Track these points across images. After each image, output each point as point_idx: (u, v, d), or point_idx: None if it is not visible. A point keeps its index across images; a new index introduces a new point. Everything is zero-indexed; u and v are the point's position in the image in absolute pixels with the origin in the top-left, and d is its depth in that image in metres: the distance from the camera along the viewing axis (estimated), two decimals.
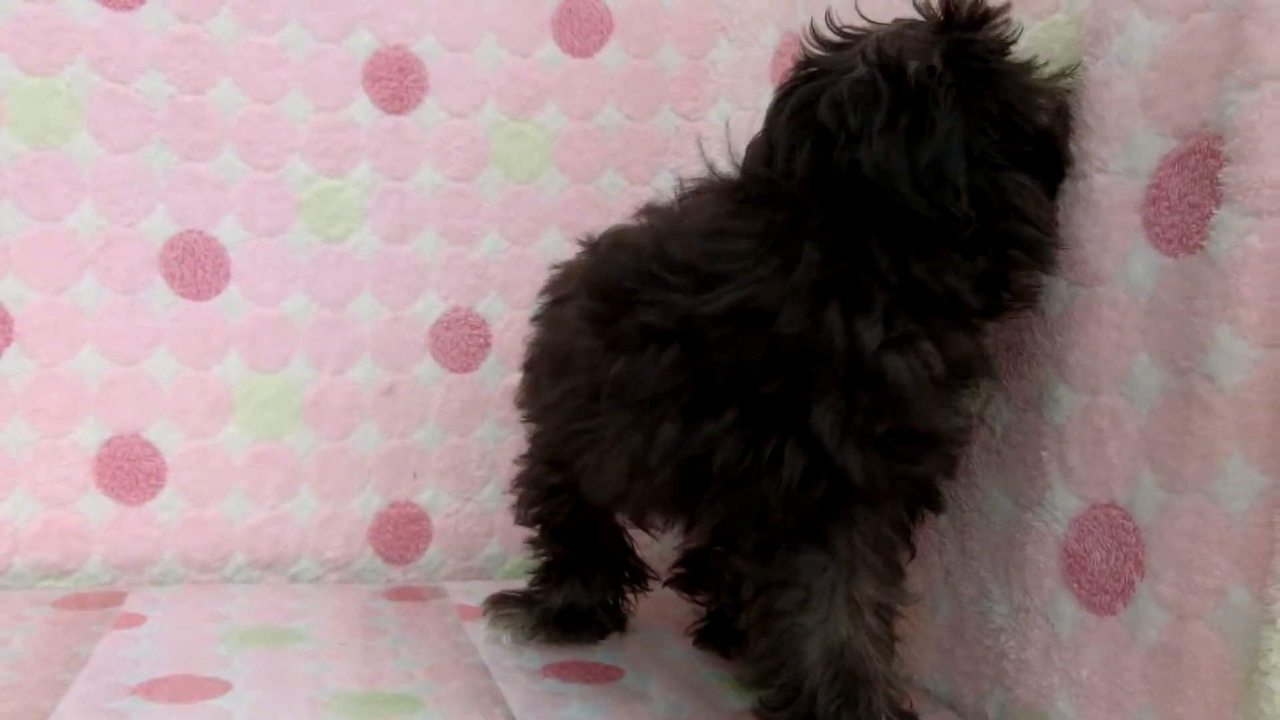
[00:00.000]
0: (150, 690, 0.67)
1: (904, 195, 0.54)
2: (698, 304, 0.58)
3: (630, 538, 0.84)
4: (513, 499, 0.85)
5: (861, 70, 0.56)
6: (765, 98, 1.01)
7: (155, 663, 0.72)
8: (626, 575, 0.84)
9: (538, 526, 0.83)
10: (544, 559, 0.84)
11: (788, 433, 0.56)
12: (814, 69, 0.59)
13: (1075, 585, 0.62)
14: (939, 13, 0.58)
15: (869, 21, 0.61)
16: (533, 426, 0.82)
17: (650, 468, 0.61)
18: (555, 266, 0.79)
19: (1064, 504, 0.63)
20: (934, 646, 0.73)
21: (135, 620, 0.81)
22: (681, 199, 0.67)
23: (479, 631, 0.81)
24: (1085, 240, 0.61)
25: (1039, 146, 0.59)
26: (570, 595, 0.83)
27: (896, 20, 0.60)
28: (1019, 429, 0.66)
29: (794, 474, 0.55)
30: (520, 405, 0.83)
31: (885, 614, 0.60)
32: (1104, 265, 0.60)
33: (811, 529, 0.57)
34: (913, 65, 0.55)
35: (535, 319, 0.80)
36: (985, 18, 0.58)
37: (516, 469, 0.85)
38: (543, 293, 0.79)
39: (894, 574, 0.61)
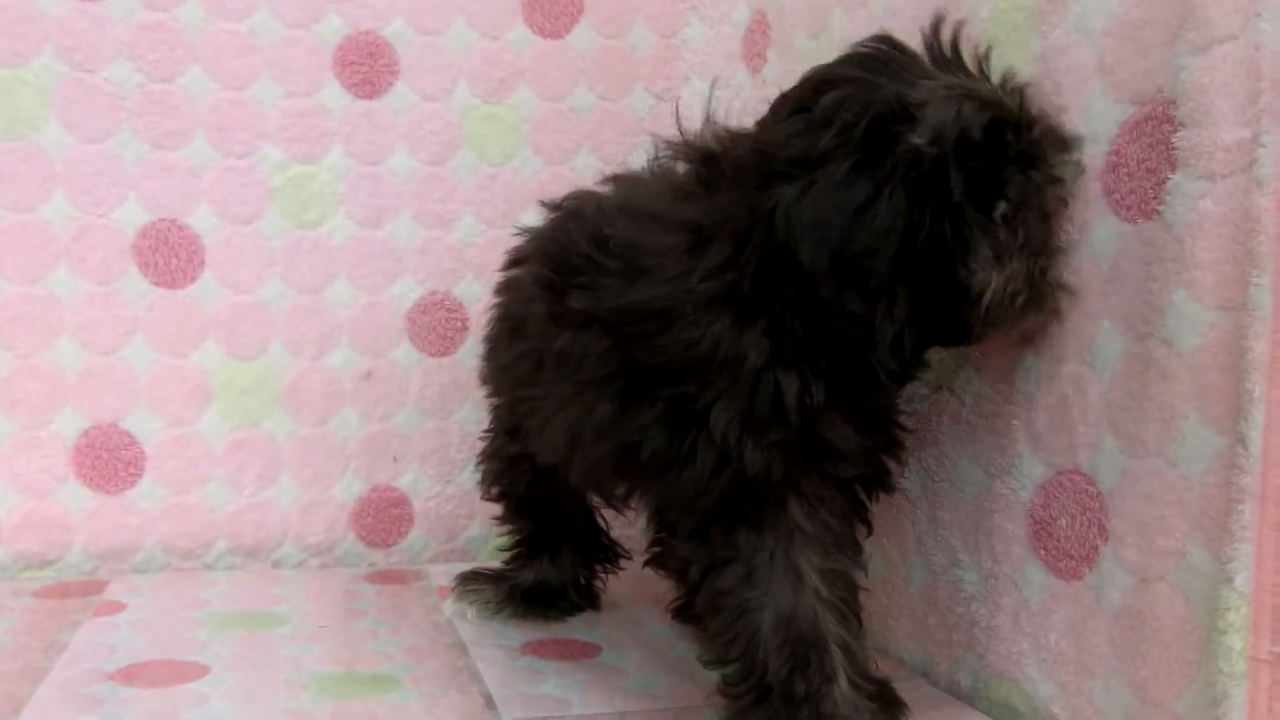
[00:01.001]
0: (129, 675, 0.68)
1: (814, 273, 0.52)
2: (625, 296, 0.58)
3: (602, 517, 0.84)
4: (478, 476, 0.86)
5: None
6: (738, 75, 1.02)
7: (134, 648, 0.72)
8: (597, 554, 0.85)
9: (502, 501, 0.84)
10: (515, 536, 0.85)
11: (702, 428, 0.56)
12: (839, 88, 0.54)
13: (1042, 552, 0.62)
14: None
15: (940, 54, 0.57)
16: (494, 400, 0.83)
17: (586, 444, 0.62)
18: (518, 231, 0.78)
19: (1031, 471, 0.63)
20: (908, 616, 0.74)
21: (116, 608, 0.81)
22: (652, 167, 0.67)
23: (449, 608, 0.82)
24: None
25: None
26: (540, 572, 0.83)
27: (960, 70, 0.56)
28: (990, 398, 0.66)
29: (705, 467, 0.56)
30: (482, 379, 0.84)
31: (836, 580, 0.60)
32: (1067, 233, 0.60)
33: (739, 511, 0.57)
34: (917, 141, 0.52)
35: (497, 289, 0.80)
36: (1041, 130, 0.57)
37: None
38: (505, 263, 0.79)
39: (840, 541, 0.61)
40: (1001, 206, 0.54)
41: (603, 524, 0.85)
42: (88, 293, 0.91)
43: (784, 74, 0.90)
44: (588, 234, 0.62)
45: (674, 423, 0.58)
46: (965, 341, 0.59)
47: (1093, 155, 0.59)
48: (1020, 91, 0.56)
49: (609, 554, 0.85)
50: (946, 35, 0.56)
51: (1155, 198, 0.55)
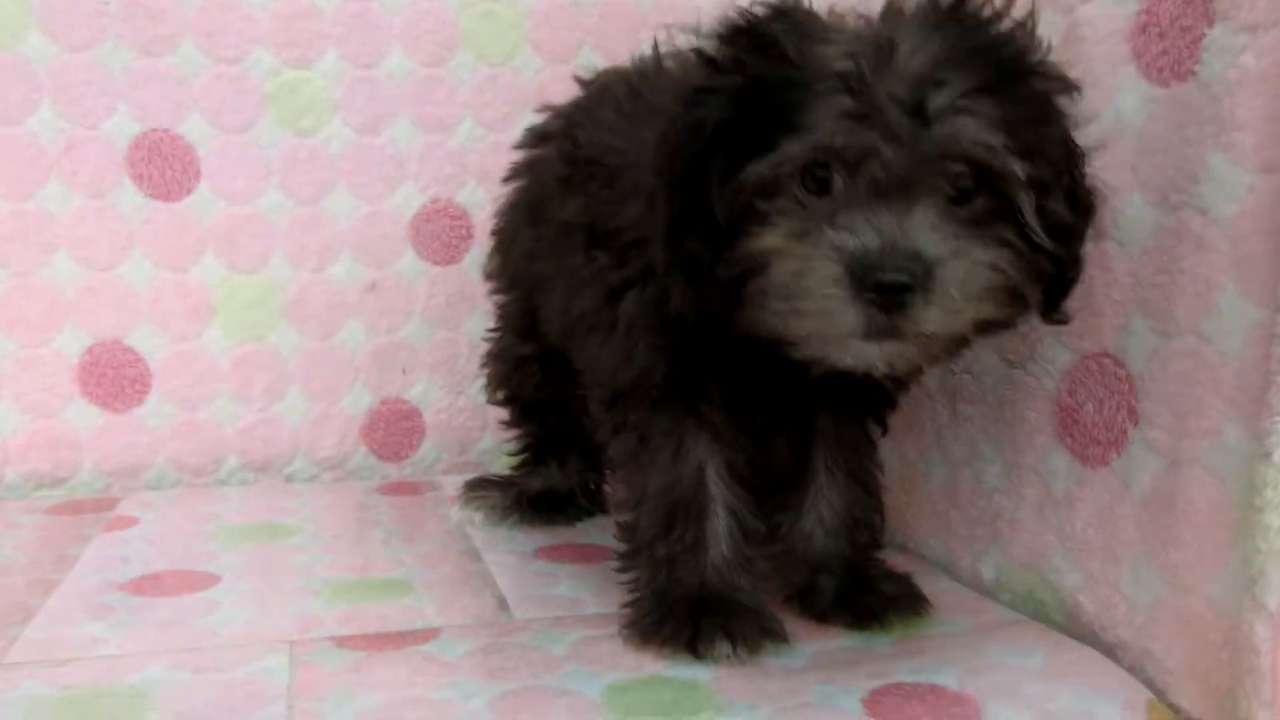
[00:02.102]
0: (139, 585, 0.67)
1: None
2: (605, 157, 0.60)
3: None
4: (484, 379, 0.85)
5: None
6: None
7: (145, 560, 0.72)
8: (602, 458, 0.83)
9: (509, 405, 0.83)
10: (522, 442, 0.84)
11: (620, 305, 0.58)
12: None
13: (1068, 440, 0.60)
14: None
15: None
16: (500, 298, 0.81)
17: (566, 300, 0.64)
18: (541, 108, 0.76)
19: (1055, 358, 0.61)
20: (928, 511, 0.72)
21: (127, 522, 0.81)
22: (655, 62, 0.64)
23: (456, 514, 0.82)
24: (1074, 77, 0.58)
25: None
26: (548, 478, 0.83)
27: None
28: None
29: (616, 349, 0.58)
30: (489, 277, 0.82)
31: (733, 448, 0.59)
32: (1093, 102, 0.57)
33: (640, 395, 0.58)
34: None
35: (510, 176, 0.77)
36: None
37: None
38: (521, 143, 0.76)
39: (738, 431, 0.59)
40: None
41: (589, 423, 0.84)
42: (81, 207, 0.89)
43: None
44: (613, 115, 0.62)
45: (605, 288, 0.59)
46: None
47: (1120, 17, 0.55)
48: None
49: None
50: None
51: (1190, 57, 0.51)
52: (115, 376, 0.91)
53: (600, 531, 0.80)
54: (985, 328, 0.50)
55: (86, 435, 0.91)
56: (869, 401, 0.63)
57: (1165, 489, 0.53)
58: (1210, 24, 0.50)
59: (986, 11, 0.50)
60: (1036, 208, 0.48)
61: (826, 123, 0.47)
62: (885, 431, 0.64)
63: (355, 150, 0.94)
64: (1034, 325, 0.61)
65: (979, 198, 0.48)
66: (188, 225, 0.91)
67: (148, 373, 0.92)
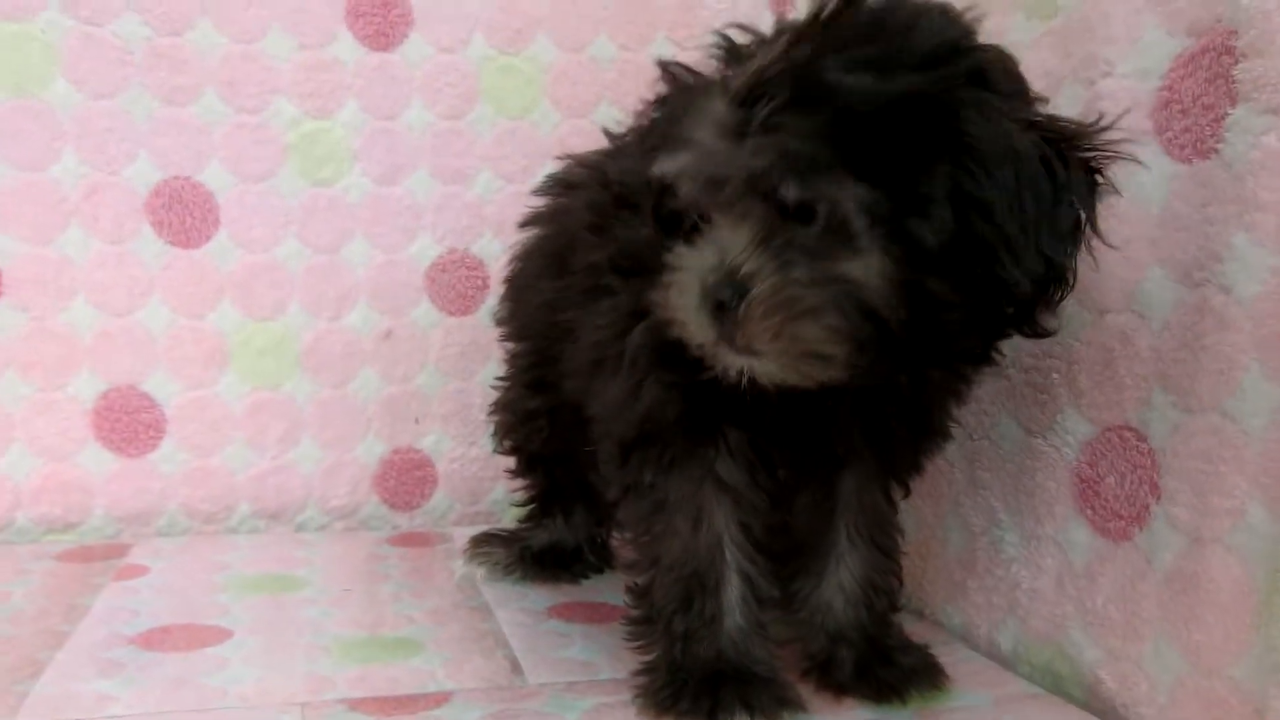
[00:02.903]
0: (149, 639, 0.67)
1: None
2: (622, 235, 0.59)
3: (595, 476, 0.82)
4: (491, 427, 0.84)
5: None
6: (763, 24, 0.98)
7: (156, 612, 0.71)
8: (612, 511, 0.82)
9: (515, 455, 0.82)
10: (528, 493, 0.83)
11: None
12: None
13: (1088, 511, 0.60)
14: None
15: None
16: (511, 346, 0.81)
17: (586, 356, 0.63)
18: (562, 157, 0.75)
19: (1076, 428, 0.60)
20: (944, 579, 0.71)
21: (137, 571, 0.80)
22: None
23: (460, 569, 0.81)
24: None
25: None
26: (554, 533, 0.82)
27: None
28: (1029, 353, 0.63)
29: (622, 386, 0.58)
30: (500, 323, 0.82)
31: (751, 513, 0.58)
32: (1113, 176, 0.57)
33: (650, 446, 0.57)
34: None
35: (528, 222, 0.76)
36: None
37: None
38: (542, 190, 0.76)
39: (758, 494, 0.58)
40: None
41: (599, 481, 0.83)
42: (101, 252, 0.90)
43: None
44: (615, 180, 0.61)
45: (618, 321, 0.58)
46: None
47: (1142, 92, 0.56)
48: None
49: None
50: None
51: (1213, 135, 0.52)
52: (130, 422, 0.91)
53: (611, 590, 0.79)
54: (865, 346, 0.48)
55: (99, 480, 0.91)
56: (893, 463, 0.62)
57: (1188, 567, 0.53)
58: (1233, 104, 0.50)
59: (866, 20, 0.47)
60: (891, 229, 0.46)
61: (662, 153, 0.50)
62: (908, 494, 0.63)
63: (373, 200, 0.95)
64: (1052, 394, 0.62)
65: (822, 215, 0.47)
66: (206, 272, 0.92)
67: (162, 418, 0.92)
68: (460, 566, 0.81)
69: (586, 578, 0.82)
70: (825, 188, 0.46)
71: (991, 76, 0.48)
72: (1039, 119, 0.49)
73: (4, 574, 0.80)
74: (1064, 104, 0.60)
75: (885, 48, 0.47)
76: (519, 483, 0.84)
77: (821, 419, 0.55)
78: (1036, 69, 0.62)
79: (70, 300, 0.89)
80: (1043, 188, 0.46)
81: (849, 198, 0.46)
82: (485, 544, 0.83)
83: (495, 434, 0.84)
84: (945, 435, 0.61)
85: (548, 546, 0.82)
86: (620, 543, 0.84)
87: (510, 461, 0.84)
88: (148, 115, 0.90)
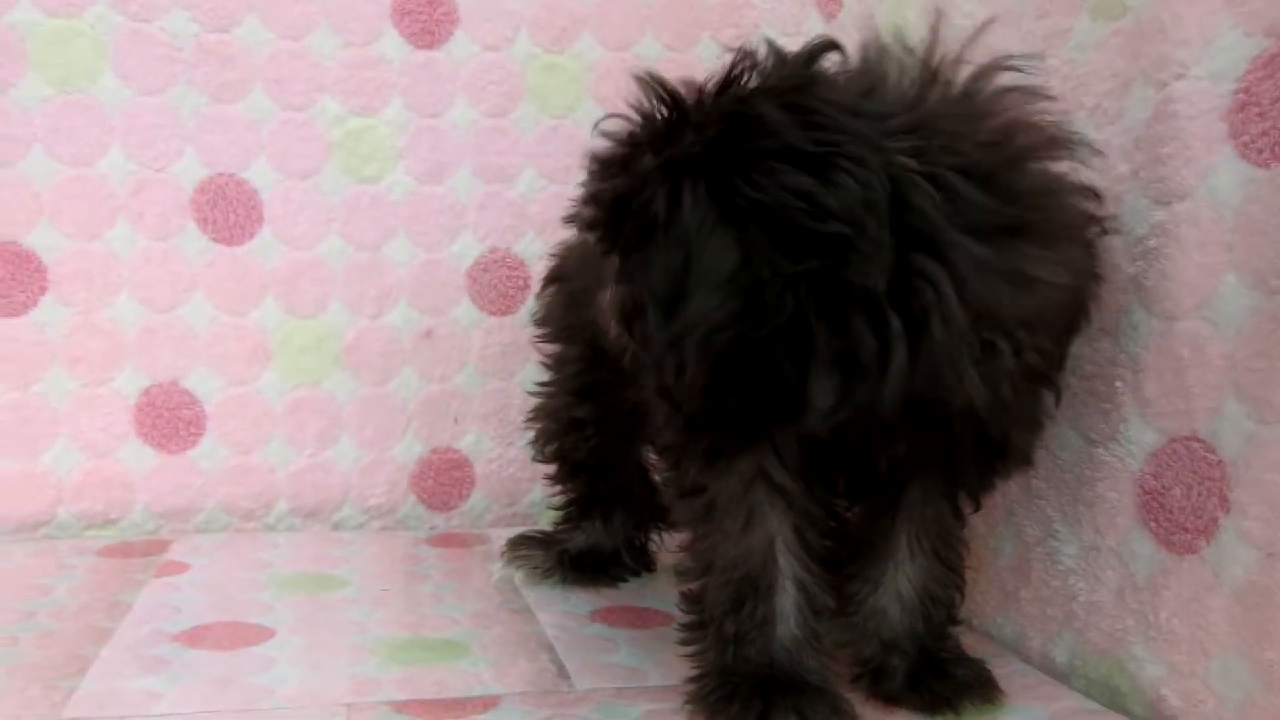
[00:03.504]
0: (193, 637, 0.66)
1: None
2: None
3: (658, 475, 0.81)
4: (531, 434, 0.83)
5: None
6: (809, 23, 0.97)
7: (198, 610, 0.71)
8: (650, 515, 0.82)
9: (556, 462, 0.81)
10: (567, 498, 0.82)
11: None
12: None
13: (1152, 523, 0.58)
14: None
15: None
16: (556, 348, 0.79)
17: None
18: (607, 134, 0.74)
19: (1140, 438, 0.59)
20: (996, 588, 0.70)
21: (179, 568, 0.80)
22: None
23: (498, 572, 0.80)
24: (1165, 154, 0.57)
25: None
26: (592, 536, 0.81)
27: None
28: (1091, 359, 0.62)
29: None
30: (540, 323, 0.80)
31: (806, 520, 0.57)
32: (1185, 180, 0.56)
33: (699, 447, 0.56)
34: None
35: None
36: None
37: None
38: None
39: (813, 500, 0.57)
40: None
41: (658, 483, 0.82)
42: (146, 249, 0.90)
43: (861, 19, 0.86)
44: None
45: None
46: None
47: (1217, 95, 0.54)
48: None
49: (663, 515, 0.82)
50: None
51: None
52: (171, 418, 0.91)
53: (654, 595, 0.78)
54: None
55: (139, 476, 0.91)
56: (961, 480, 0.60)
57: (1261, 581, 0.51)
58: None
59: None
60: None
61: None
62: (978, 508, 0.62)
63: (416, 199, 0.94)
64: (1115, 403, 0.60)
65: None
66: (249, 269, 0.92)
67: (203, 415, 0.92)
68: (498, 569, 0.81)
69: (625, 581, 0.81)
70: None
71: None
72: None
73: (46, 569, 0.80)
74: (1133, 107, 0.59)
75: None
76: (557, 487, 0.84)
77: (875, 434, 0.53)
78: (1104, 70, 0.61)
79: (115, 296, 0.89)
80: None
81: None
82: (523, 546, 0.82)
83: (536, 441, 0.82)
84: (1023, 461, 0.59)
85: (586, 550, 0.81)
86: (669, 549, 0.83)
87: (549, 467, 0.83)
88: (195, 112, 0.90)
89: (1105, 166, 0.60)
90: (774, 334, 0.43)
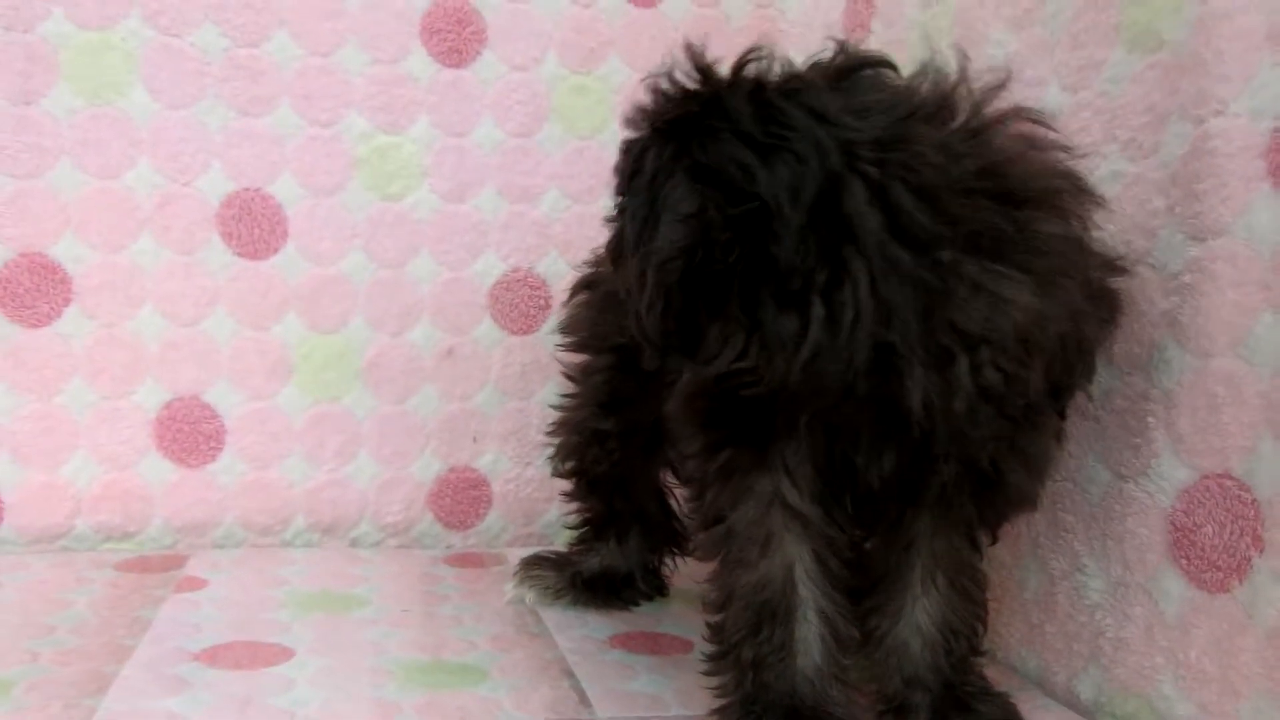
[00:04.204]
0: (213, 656, 0.66)
1: None
2: None
3: (677, 500, 0.81)
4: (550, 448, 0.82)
5: None
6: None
7: (218, 628, 0.71)
8: (666, 538, 0.82)
9: (575, 478, 0.81)
10: (582, 515, 0.82)
11: None
12: None
13: (1183, 561, 0.58)
14: None
15: None
16: (584, 358, 0.78)
17: None
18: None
19: (1172, 474, 0.58)
20: (1020, 621, 0.69)
21: (197, 584, 0.80)
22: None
23: (510, 592, 0.80)
24: (1201, 190, 0.56)
25: None
26: (607, 558, 0.81)
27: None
28: (1122, 394, 0.61)
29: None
30: (569, 331, 0.79)
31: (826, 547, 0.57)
32: (1222, 216, 0.55)
33: (715, 467, 0.57)
34: None
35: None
36: None
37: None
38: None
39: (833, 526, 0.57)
40: None
41: (675, 507, 0.82)
42: (170, 262, 0.90)
43: (890, 45, 0.86)
44: None
45: None
46: None
47: (1256, 132, 0.54)
48: None
49: (679, 539, 0.83)
50: None
51: None
52: (191, 432, 0.91)
53: (673, 621, 0.78)
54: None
55: (158, 490, 0.91)
56: (964, 509, 0.59)
57: None
58: None
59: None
60: None
61: None
62: (995, 540, 0.62)
63: (440, 216, 0.94)
64: (1147, 438, 0.60)
65: None
66: (272, 284, 0.92)
67: (222, 429, 0.92)
68: (510, 590, 0.80)
69: (637, 605, 0.80)
70: None
71: None
72: None
73: (65, 582, 0.79)
74: (1169, 141, 0.58)
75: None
76: (573, 505, 0.83)
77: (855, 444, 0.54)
78: (1138, 104, 0.61)
79: (138, 309, 0.90)
80: None
81: None
82: (536, 567, 0.81)
83: (556, 455, 0.82)
84: (1023, 503, 0.59)
85: (600, 572, 0.81)
86: (683, 574, 0.83)
87: (565, 483, 0.82)
88: (222, 126, 0.90)
89: (1140, 200, 0.60)
90: (721, 270, 0.48)
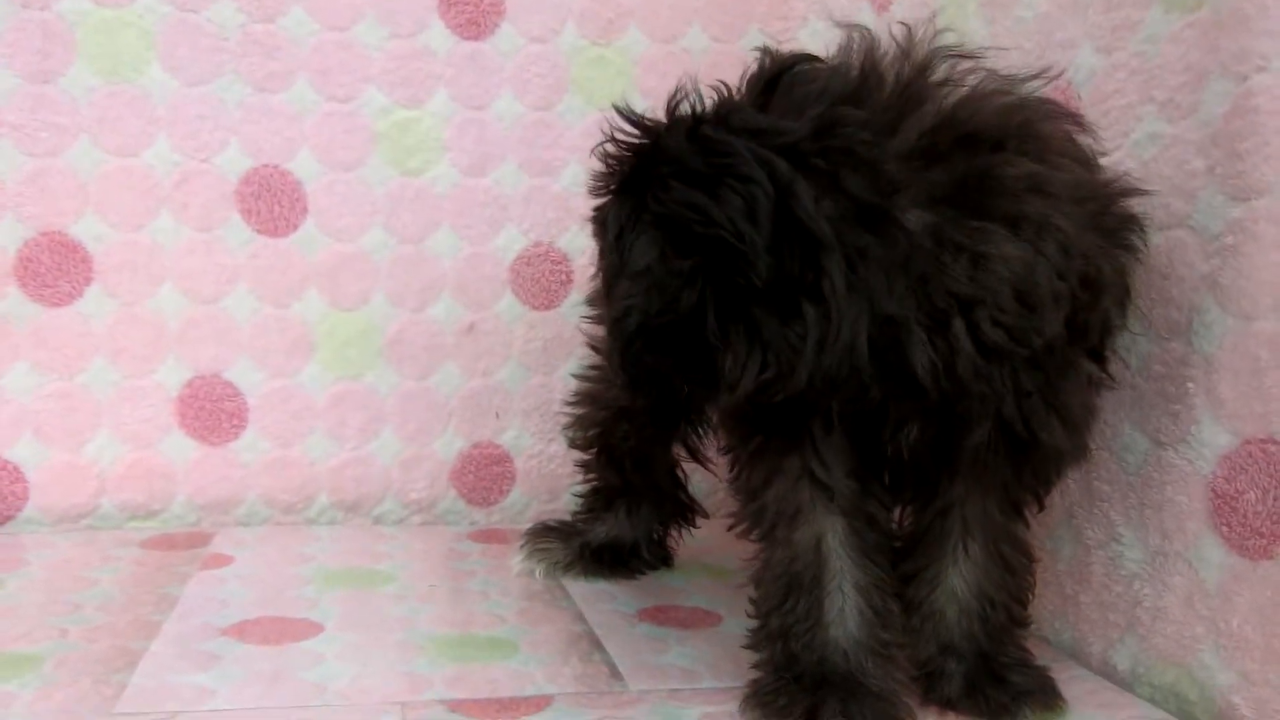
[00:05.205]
0: (241, 631, 0.66)
1: None
2: None
3: (684, 472, 0.82)
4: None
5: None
6: (859, 15, 0.96)
7: (245, 604, 0.71)
8: (675, 511, 0.82)
9: (593, 449, 0.81)
10: (591, 485, 0.82)
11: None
12: None
13: (1224, 528, 0.57)
14: None
15: None
16: None
17: None
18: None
19: (1213, 440, 0.57)
20: (1054, 592, 0.69)
21: (223, 561, 0.80)
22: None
23: (518, 565, 0.80)
24: (1243, 149, 0.55)
25: None
26: (614, 528, 0.81)
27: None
28: (1160, 359, 0.60)
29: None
30: (595, 304, 0.78)
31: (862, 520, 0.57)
32: (1265, 176, 0.54)
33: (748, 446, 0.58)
34: None
35: None
36: None
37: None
38: None
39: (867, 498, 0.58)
40: None
41: (682, 479, 0.82)
42: (190, 240, 0.89)
43: (914, 10, 0.84)
44: None
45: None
46: None
47: None
48: None
49: (687, 512, 0.83)
50: None
51: None
52: (213, 410, 0.91)
53: (701, 594, 0.77)
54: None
55: (181, 468, 0.90)
56: (999, 472, 0.58)
57: None
58: None
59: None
60: None
61: None
62: (1041, 508, 0.61)
63: (460, 191, 0.93)
64: (1186, 404, 0.59)
65: None
66: (292, 261, 0.91)
67: (245, 407, 0.91)
68: (518, 563, 0.80)
69: (642, 574, 0.81)
70: None
71: None
72: None
73: (91, 560, 0.79)
74: (1209, 100, 0.57)
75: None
76: (588, 474, 0.83)
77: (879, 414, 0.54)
78: (1176, 64, 0.59)
79: (159, 287, 0.89)
80: None
81: None
82: (543, 538, 0.81)
83: (576, 425, 0.82)
84: (1062, 460, 0.58)
85: (606, 543, 0.81)
86: (688, 545, 0.83)
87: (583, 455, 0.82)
88: (240, 102, 0.89)
89: (1179, 161, 0.59)
90: (677, 320, 0.50)
